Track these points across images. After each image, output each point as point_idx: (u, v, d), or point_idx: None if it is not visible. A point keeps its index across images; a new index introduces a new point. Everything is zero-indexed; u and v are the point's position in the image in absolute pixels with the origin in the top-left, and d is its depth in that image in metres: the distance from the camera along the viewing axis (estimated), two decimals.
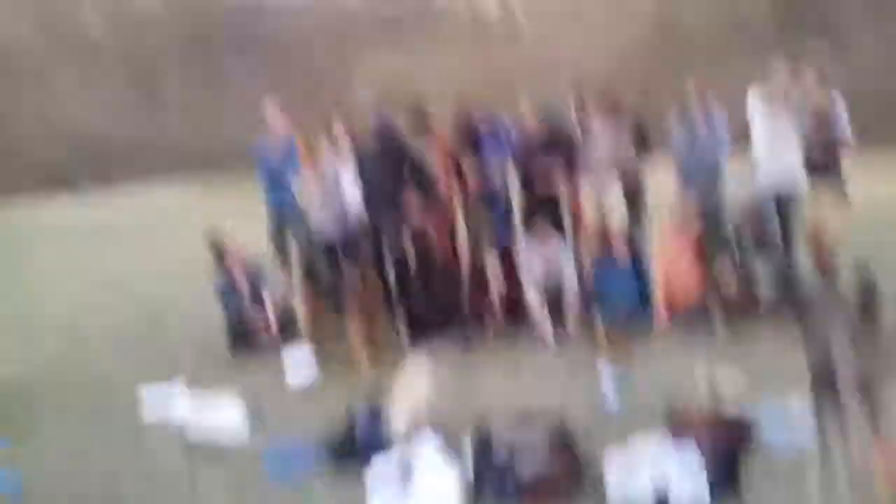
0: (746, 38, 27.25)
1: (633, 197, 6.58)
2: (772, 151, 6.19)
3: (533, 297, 6.17)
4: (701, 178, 6.37)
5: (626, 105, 6.67)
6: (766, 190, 6.22)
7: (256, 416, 4.82)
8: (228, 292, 6.51)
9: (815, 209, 6.29)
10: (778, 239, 6.18)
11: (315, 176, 6.67)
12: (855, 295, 5.42)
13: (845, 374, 3.75)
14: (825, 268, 6.27)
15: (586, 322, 6.04)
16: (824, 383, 3.84)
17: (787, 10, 27.15)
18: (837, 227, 6.19)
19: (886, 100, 20.42)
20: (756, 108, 6.24)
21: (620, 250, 6.13)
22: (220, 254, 6.60)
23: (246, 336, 6.34)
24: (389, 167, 6.32)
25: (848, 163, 6.37)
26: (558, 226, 6.53)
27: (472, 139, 6.77)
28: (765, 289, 6.03)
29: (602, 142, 6.33)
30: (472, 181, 6.66)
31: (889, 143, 17.57)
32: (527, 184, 6.64)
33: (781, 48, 26.11)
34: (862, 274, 5.55)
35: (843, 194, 6.29)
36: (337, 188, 6.65)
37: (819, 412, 3.88)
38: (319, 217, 6.68)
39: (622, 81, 20.48)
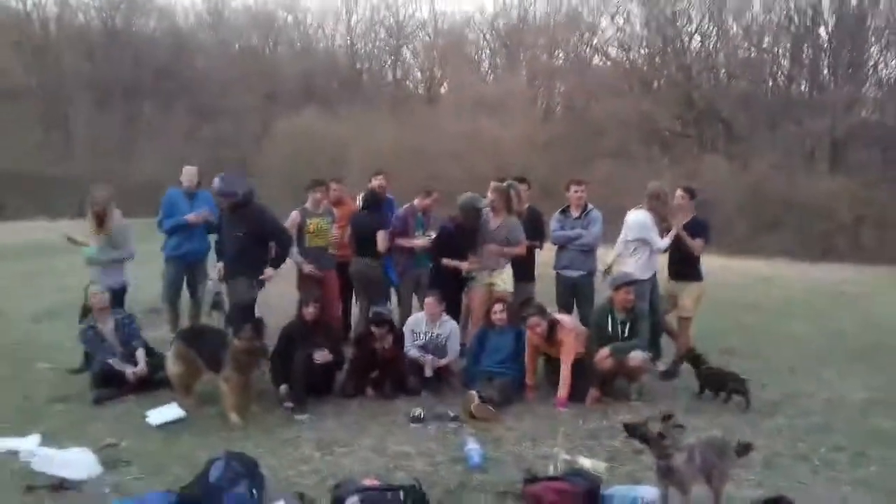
0: (653, 137, 29.82)
1: (524, 273, 7.39)
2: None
3: (413, 352, 6.62)
4: (574, 260, 7.39)
5: (521, 200, 7.39)
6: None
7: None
8: (94, 341, 6.36)
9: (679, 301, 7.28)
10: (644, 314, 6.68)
11: None
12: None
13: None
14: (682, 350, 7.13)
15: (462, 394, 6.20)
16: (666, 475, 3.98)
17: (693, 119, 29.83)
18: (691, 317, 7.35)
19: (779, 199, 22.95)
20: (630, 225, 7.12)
21: (501, 318, 6.58)
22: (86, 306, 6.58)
23: (111, 383, 6.12)
24: (246, 232, 6.52)
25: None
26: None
27: (378, 210, 7.60)
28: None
29: (496, 230, 7.04)
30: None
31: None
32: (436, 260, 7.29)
33: (683, 151, 27.04)
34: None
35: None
36: None
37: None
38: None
39: (534, 168, 21.09)
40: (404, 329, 6.75)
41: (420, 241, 7.40)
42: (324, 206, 7.52)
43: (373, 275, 7.49)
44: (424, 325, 6.71)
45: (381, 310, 6.75)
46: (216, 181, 6.55)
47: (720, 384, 6.34)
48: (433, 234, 7.41)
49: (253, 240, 6.51)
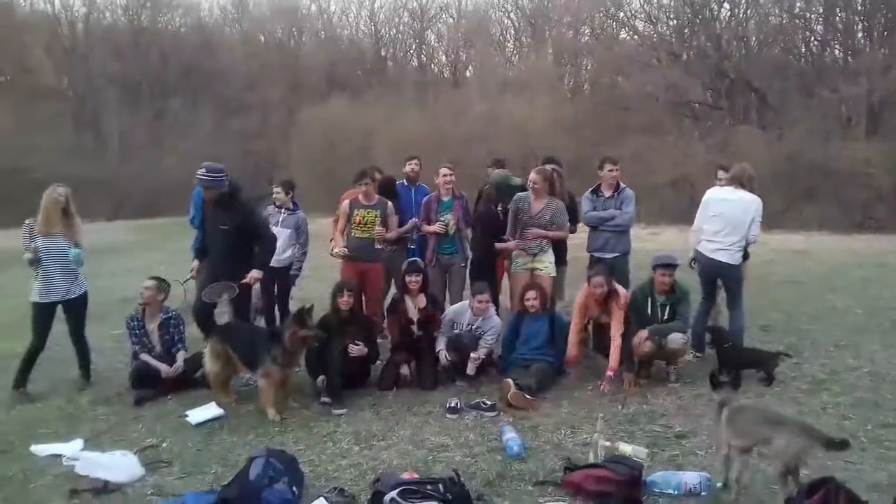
0: (684, 110, 29.68)
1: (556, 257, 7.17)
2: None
3: (441, 347, 6.51)
4: (609, 241, 7.20)
5: (560, 182, 7.24)
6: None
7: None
8: (136, 332, 6.38)
9: None
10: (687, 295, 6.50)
11: None
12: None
13: None
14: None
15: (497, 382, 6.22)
16: None
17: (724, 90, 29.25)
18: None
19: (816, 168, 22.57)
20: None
21: (534, 304, 6.47)
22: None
23: (149, 383, 6.16)
24: (233, 226, 6.29)
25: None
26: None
27: (393, 197, 7.60)
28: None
29: (539, 214, 6.86)
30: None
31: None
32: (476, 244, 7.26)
33: (715, 123, 26.21)
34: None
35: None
36: None
37: None
38: None
39: (562, 147, 20.72)
40: (445, 316, 6.66)
41: (434, 226, 7.37)
42: (377, 198, 7.34)
43: (394, 261, 7.49)
44: (467, 318, 6.58)
45: (415, 259, 6.87)
46: (201, 172, 6.22)
47: (745, 362, 6.29)
48: (446, 219, 7.35)
49: (240, 235, 6.27)
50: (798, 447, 3.81)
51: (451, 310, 6.76)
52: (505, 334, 6.64)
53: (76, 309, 6.42)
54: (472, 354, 6.37)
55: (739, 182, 6.64)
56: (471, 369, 6.38)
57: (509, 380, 5.86)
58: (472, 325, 6.55)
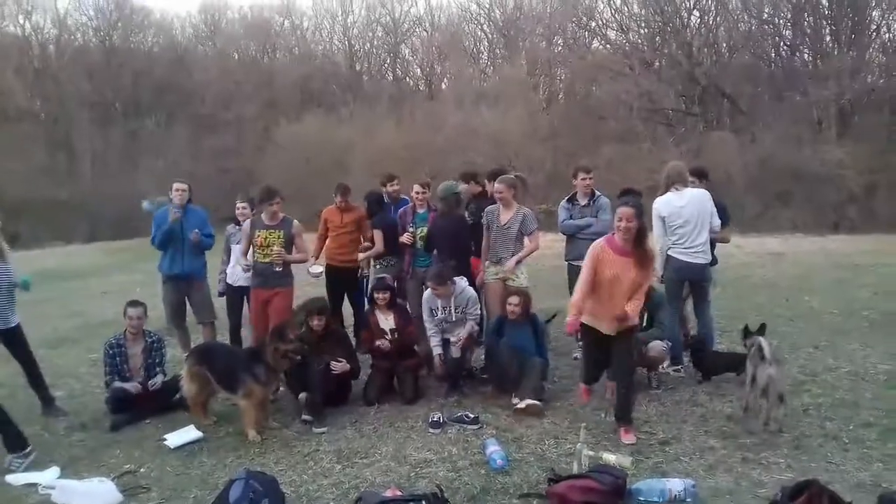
0: (657, 118, 29.58)
1: None
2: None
3: (437, 349, 6.49)
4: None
5: (524, 189, 7.29)
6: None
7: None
8: (114, 358, 6.25)
9: None
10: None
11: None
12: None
13: None
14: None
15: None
16: None
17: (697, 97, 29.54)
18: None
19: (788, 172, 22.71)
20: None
21: (514, 311, 6.34)
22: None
23: (125, 407, 6.02)
24: None
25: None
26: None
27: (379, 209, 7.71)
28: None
29: (508, 223, 6.77)
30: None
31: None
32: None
33: (689, 130, 26.61)
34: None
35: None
36: None
37: None
38: None
39: (538, 156, 20.55)
40: (422, 305, 6.61)
41: (404, 236, 7.34)
42: (281, 217, 6.80)
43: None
44: (440, 302, 6.50)
45: (383, 275, 6.93)
46: None
47: (723, 367, 6.35)
48: (420, 230, 7.30)
49: None
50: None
51: (423, 298, 6.64)
52: (490, 330, 6.58)
53: (18, 338, 6.18)
54: (451, 338, 6.36)
55: (678, 182, 6.62)
56: (455, 351, 6.35)
57: (536, 402, 5.76)
58: (448, 305, 6.49)
